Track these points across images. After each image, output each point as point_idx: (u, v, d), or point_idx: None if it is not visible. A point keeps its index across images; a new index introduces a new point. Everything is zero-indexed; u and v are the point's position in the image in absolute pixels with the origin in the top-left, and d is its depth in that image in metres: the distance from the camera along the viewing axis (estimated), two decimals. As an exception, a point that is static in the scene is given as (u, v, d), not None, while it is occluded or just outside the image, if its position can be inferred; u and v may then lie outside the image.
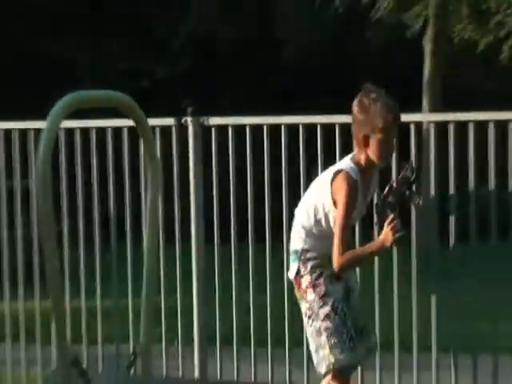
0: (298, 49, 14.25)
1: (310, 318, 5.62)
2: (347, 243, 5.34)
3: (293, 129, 6.39)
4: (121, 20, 16.28)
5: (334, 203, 5.36)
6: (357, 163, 5.31)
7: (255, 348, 6.82)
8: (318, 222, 5.41)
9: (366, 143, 5.22)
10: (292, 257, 5.69)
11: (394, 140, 5.50)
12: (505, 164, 6.13)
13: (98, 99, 4.59)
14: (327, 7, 12.94)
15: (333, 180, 5.28)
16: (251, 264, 6.68)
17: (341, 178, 5.21)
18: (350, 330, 5.50)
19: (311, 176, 5.94)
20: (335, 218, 5.45)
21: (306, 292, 5.62)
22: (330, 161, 5.91)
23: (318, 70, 14.67)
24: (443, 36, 11.66)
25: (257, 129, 6.48)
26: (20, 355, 7.31)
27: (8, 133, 7.01)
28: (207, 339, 7.04)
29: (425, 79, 11.43)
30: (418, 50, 11.98)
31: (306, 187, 5.70)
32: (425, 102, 11.34)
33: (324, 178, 5.50)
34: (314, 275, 5.52)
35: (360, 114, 5.23)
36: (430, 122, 6.32)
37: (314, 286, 5.52)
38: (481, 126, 6.01)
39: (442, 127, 6.16)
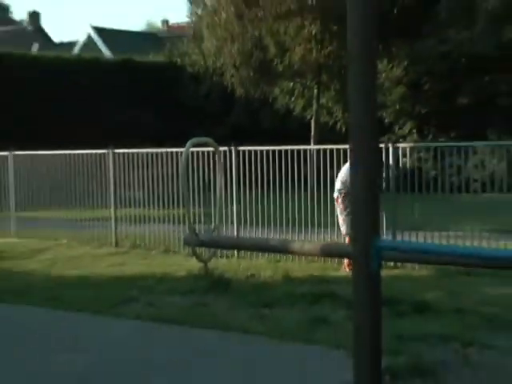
0: (270, 122, 19.73)
1: (340, 213, 8.09)
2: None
3: (269, 152, 9.13)
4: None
5: None
6: None
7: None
8: (345, 180, 7.98)
9: None
10: (336, 190, 8.24)
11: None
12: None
13: (202, 141, 6.60)
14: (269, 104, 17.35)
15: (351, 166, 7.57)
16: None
17: None
18: None
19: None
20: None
21: (339, 204, 8.15)
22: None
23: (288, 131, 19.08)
24: (318, 118, 16.09)
25: (254, 151, 9.21)
26: (166, 229, 9.54)
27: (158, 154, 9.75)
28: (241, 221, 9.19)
29: (312, 133, 16.22)
30: (308, 124, 16.33)
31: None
32: (312, 141, 15.89)
33: (347, 164, 7.62)
34: (344, 198, 8.19)
35: None
36: (313, 149, 8.91)
37: (343, 201, 8.16)
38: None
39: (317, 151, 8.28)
